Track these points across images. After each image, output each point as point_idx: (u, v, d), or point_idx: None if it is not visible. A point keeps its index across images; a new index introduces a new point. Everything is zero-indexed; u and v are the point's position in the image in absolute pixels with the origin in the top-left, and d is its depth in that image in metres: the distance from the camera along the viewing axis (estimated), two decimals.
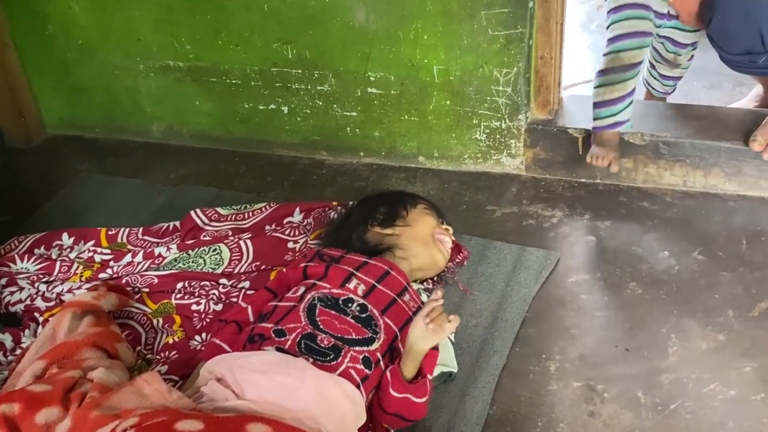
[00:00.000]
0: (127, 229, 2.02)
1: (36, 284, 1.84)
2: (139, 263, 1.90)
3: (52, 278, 1.87)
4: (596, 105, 1.99)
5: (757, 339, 1.60)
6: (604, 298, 1.75)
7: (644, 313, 1.70)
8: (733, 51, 1.97)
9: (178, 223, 2.03)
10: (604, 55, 1.95)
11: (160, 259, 1.89)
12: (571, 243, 1.91)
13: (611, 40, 1.93)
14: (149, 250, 1.93)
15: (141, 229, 2.03)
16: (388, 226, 1.72)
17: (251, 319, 1.54)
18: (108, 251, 1.95)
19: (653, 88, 2.28)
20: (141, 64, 2.35)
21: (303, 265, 1.60)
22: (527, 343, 1.65)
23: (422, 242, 1.70)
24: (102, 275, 1.87)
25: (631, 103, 1.97)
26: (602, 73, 1.96)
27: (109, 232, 2.01)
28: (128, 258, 1.91)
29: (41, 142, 2.55)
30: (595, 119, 2.00)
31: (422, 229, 1.72)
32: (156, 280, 1.82)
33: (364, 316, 1.48)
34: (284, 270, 1.64)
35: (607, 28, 1.95)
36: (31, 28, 2.38)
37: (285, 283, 1.60)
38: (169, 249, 1.92)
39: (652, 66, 2.24)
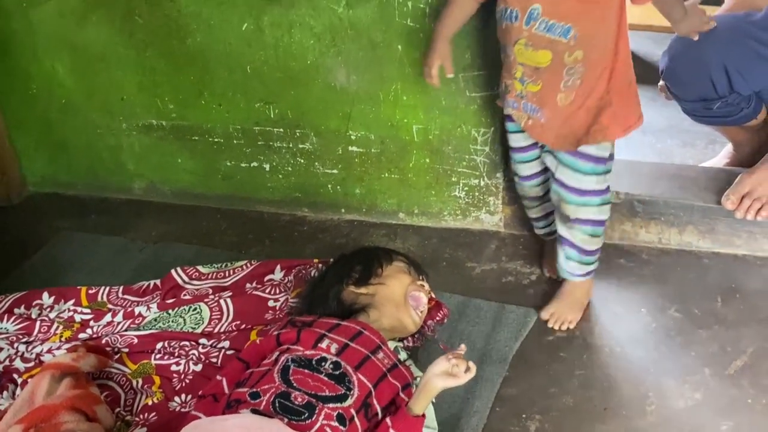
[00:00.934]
0: (108, 288, 2.02)
1: (15, 344, 1.83)
2: (119, 323, 1.89)
3: (31, 338, 1.86)
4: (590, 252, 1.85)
5: (733, 397, 1.62)
6: (583, 356, 1.76)
7: (622, 372, 1.71)
8: (688, 98, 2.02)
9: (158, 282, 2.03)
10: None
11: (140, 318, 1.89)
12: (549, 300, 1.92)
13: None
14: (129, 309, 1.93)
15: (121, 287, 2.03)
16: (363, 285, 1.73)
17: (226, 391, 1.54)
18: (88, 311, 1.95)
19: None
20: (124, 123, 2.37)
21: (275, 333, 1.61)
22: (507, 403, 1.66)
23: (394, 303, 1.70)
24: (82, 335, 1.86)
25: None
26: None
27: (90, 291, 2.01)
28: (108, 318, 1.91)
29: (22, 200, 2.55)
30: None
31: (396, 288, 1.72)
32: (136, 340, 1.81)
33: (337, 373, 1.49)
34: (257, 341, 1.64)
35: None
36: (14, 87, 2.41)
37: (259, 353, 1.60)
38: (149, 308, 1.92)
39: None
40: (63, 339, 1.85)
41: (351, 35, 2.03)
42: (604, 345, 1.78)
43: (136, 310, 1.92)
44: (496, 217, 2.19)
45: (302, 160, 2.28)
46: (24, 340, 1.85)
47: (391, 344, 1.65)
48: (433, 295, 1.82)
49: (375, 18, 1.99)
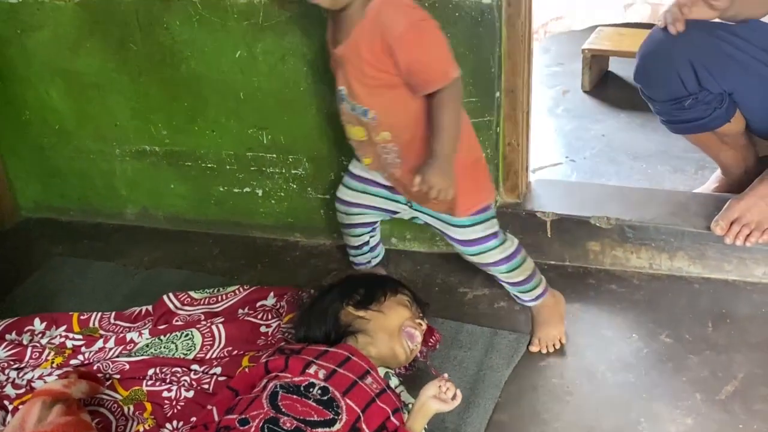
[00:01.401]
0: (99, 314, 2.02)
1: (6, 371, 1.82)
2: (110, 349, 1.89)
3: (22, 364, 1.85)
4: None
5: (724, 423, 1.63)
6: (575, 382, 1.77)
7: (614, 397, 1.72)
8: (659, 98, 2.04)
9: (150, 308, 2.03)
10: None
11: (132, 344, 1.89)
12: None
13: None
14: (121, 335, 1.92)
15: (113, 313, 2.02)
16: (362, 308, 1.73)
17: (216, 419, 1.54)
18: (80, 336, 1.94)
19: None
20: (117, 148, 2.38)
21: (264, 360, 1.61)
22: (499, 429, 1.66)
23: (388, 333, 1.70)
24: (73, 361, 1.85)
25: None
26: None
27: (81, 317, 2.01)
28: (99, 344, 1.91)
29: (15, 225, 2.55)
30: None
31: (392, 320, 1.72)
32: (127, 366, 1.81)
33: (325, 398, 1.49)
34: (247, 370, 1.64)
35: None
36: (8, 113, 2.41)
37: (248, 381, 1.60)
38: (141, 334, 1.91)
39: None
40: (54, 365, 1.84)
41: None
42: (595, 370, 1.79)
43: (128, 336, 1.91)
44: None
45: (295, 186, 2.29)
46: (15, 366, 1.84)
47: (381, 370, 1.65)
48: (426, 322, 1.82)
49: None
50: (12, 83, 2.36)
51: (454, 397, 1.54)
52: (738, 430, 1.61)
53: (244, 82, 2.16)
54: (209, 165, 2.33)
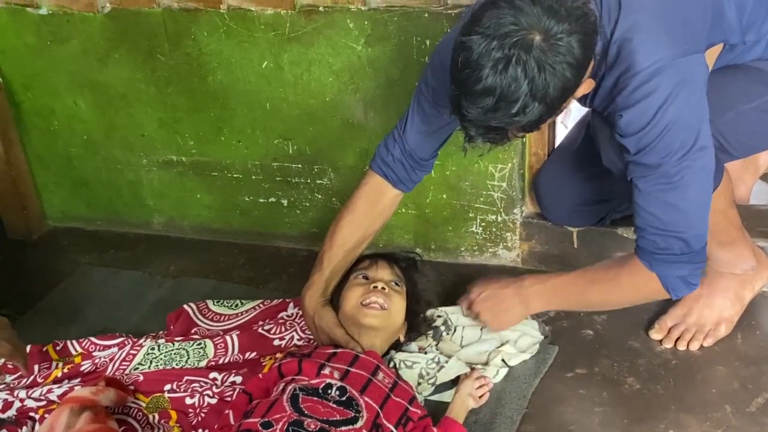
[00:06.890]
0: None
1: (15, 391, 1.77)
2: (118, 351, 1.88)
3: (28, 381, 1.82)
4: None
5: None
6: (603, 394, 1.75)
7: (642, 409, 1.70)
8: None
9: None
10: None
11: (140, 346, 1.89)
12: (568, 337, 1.92)
13: None
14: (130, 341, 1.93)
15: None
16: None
17: (232, 422, 1.54)
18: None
19: None
20: (144, 158, 2.41)
21: (277, 364, 1.62)
22: None
23: (351, 322, 1.73)
24: (85, 365, 1.85)
25: None
26: None
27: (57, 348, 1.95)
28: (106, 352, 1.90)
29: (42, 234, 2.58)
30: None
31: (346, 308, 1.75)
32: (141, 378, 1.79)
33: (344, 398, 1.51)
34: (260, 375, 1.65)
35: None
36: (36, 123, 2.45)
37: (263, 385, 1.61)
38: (153, 338, 1.93)
39: None
40: (64, 371, 1.83)
41: (369, 73, 2.06)
42: (623, 381, 1.77)
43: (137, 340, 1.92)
44: (513, 253, 2.19)
45: (320, 196, 2.30)
46: (21, 385, 1.81)
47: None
48: (396, 286, 1.79)
49: (393, 56, 2.02)
50: (41, 93, 2.39)
51: (480, 396, 1.70)
52: None
53: (270, 93, 2.17)
54: (235, 175, 2.34)
